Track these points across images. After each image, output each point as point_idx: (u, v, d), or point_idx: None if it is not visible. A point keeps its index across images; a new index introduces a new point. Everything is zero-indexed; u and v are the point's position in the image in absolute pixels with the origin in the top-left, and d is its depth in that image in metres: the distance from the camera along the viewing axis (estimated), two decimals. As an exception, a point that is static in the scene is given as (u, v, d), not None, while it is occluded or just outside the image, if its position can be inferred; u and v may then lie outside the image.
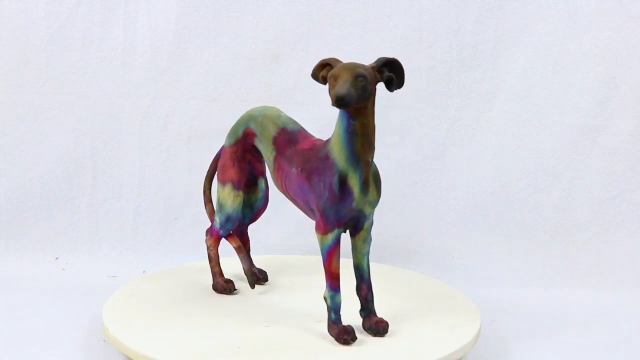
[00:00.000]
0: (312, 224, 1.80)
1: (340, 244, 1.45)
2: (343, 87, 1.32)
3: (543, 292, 1.96)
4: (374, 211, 1.46)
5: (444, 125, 2.07)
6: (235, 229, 1.72)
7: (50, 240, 2.09)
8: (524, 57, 2.04)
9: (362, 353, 1.41)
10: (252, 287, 1.67)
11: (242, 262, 1.68)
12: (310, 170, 1.44)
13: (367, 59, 1.37)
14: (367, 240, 1.48)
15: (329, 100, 1.65)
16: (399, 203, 2.08)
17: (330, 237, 1.43)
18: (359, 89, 1.34)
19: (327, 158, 1.41)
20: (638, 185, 2.03)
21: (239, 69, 2.08)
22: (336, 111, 2.09)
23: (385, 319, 1.51)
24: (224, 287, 1.68)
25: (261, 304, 1.63)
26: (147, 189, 2.11)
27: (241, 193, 1.64)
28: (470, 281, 1.97)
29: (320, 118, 1.96)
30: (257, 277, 1.73)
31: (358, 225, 1.46)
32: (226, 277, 1.71)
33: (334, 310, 1.46)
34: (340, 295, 1.46)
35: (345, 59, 1.40)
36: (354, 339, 1.44)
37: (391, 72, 1.39)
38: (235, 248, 1.69)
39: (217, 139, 2.07)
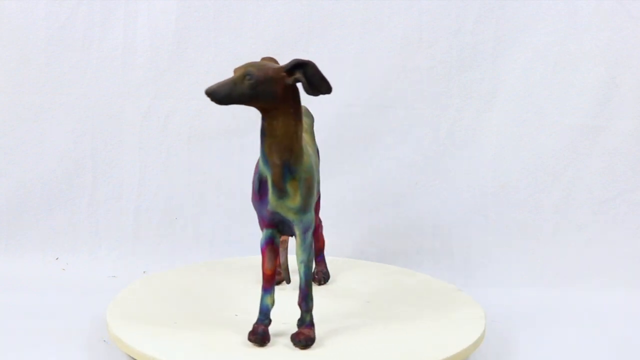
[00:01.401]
0: (327, 223, 1.81)
1: (272, 244, 1.44)
2: (217, 83, 1.32)
3: (543, 292, 1.96)
4: (302, 217, 1.40)
5: (444, 125, 2.07)
6: None
7: (50, 240, 2.09)
8: (524, 57, 2.03)
9: (359, 353, 1.41)
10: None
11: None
12: (255, 169, 1.45)
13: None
14: (302, 247, 1.42)
15: (328, 100, 1.66)
16: (399, 203, 2.08)
17: (262, 235, 1.44)
18: (246, 87, 1.31)
19: (260, 157, 1.41)
20: (638, 185, 2.03)
21: (239, 69, 2.08)
22: (337, 112, 2.09)
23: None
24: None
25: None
26: (147, 189, 2.11)
27: None
28: (470, 281, 1.97)
29: (320, 118, 1.96)
30: (314, 277, 1.73)
31: (290, 229, 1.43)
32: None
33: (260, 310, 1.44)
34: (268, 296, 1.44)
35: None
36: (259, 341, 1.41)
37: (303, 75, 1.33)
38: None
39: (217, 139, 2.08)
